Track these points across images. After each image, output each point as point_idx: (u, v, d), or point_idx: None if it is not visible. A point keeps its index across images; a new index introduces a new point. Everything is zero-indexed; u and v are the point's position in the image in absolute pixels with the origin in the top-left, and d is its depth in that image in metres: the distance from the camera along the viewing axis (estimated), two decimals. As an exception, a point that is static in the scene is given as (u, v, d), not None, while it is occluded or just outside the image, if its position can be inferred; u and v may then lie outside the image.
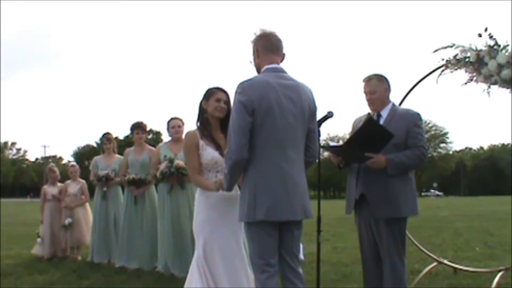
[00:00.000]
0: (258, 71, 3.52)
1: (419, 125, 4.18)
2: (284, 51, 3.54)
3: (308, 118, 3.42)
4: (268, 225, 3.26)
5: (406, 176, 4.14)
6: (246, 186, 3.31)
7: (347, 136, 4.49)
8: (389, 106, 4.24)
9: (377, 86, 4.20)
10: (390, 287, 4.08)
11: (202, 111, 4.11)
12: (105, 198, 7.99)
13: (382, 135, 3.91)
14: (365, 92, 4.26)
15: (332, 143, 4.32)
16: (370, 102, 4.24)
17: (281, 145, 3.27)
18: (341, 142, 4.49)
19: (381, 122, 4.16)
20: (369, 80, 4.24)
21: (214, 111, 4.03)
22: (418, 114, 4.23)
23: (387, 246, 4.07)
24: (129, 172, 7.32)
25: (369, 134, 3.94)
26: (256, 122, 3.24)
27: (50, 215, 8.65)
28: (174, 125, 6.81)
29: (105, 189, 7.99)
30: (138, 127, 7.53)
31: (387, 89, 4.25)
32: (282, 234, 3.37)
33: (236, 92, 3.31)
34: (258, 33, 3.53)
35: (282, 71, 3.44)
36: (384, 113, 4.21)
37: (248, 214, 3.26)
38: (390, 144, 3.95)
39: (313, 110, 3.48)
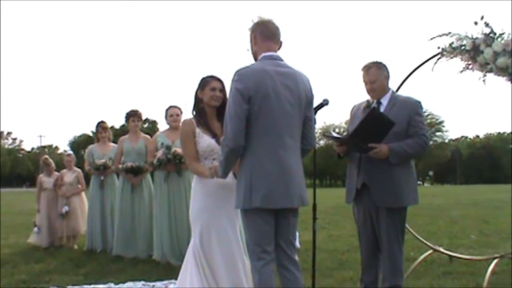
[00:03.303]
0: (255, 58, 3.52)
1: (420, 113, 4.15)
2: (281, 39, 3.53)
3: (305, 106, 3.42)
4: (265, 212, 3.27)
5: (408, 165, 4.13)
6: (243, 173, 3.32)
7: (344, 124, 4.51)
8: (388, 94, 4.21)
9: (377, 75, 4.15)
10: (388, 275, 4.11)
11: (197, 101, 4.10)
12: (103, 187, 7.99)
13: (384, 124, 3.89)
14: (365, 81, 4.21)
15: (334, 134, 4.29)
16: (371, 90, 4.19)
17: (278, 132, 3.27)
18: (337, 131, 4.50)
19: (382, 110, 4.13)
20: (368, 68, 4.18)
21: (210, 100, 4.02)
22: (419, 102, 4.19)
23: (387, 235, 4.08)
24: (125, 160, 7.32)
25: (371, 124, 3.93)
26: (252, 110, 3.23)
27: (46, 204, 8.65)
28: (172, 113, 6.81)
29: (102, 178, 7.99)
30: (133, 115, 7.53)
31: (387, 76, 4.21)
32: (278, 222, 3.38)
33: (232, 80, 3.30)
34: (256, 20, 3.52)
35: (279, 59, 3.43)
36: (384, 101, 4.18)
37: (244, 201, 3.26)
38: (391, 132, 3.93)
39: (310, 98, 3.48)
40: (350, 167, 4.29)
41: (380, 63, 4.22)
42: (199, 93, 4.07)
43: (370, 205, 4.15)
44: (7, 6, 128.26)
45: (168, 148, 6.45)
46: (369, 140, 3.95)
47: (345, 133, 4.49)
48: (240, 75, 3.28)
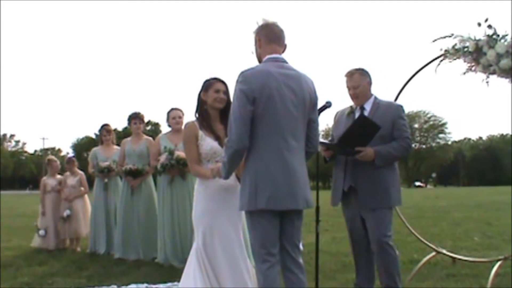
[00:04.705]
0: (260, 61, 3.52)
1: (403, 116, 4.30)
2: (286, 41, 3.54)
3: (309, 108, 3.43)
4: (269, 214, 3.27)
5: (393, 167, 4.27)
6: (247, 175, 3.31)
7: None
8: (371, 99, 4.34)
9: (360, 81, 4.29)
10: (384, 276, 4.16)
11: (201, 103, 4.10)
12: (106, 190, 8.00)
13: (371, 128, 3.99)
14: (348, 87, 4.34)
15: (322, 139, 4.33)
16: (354, 96, 4.32)
17: (282, 134, 3.28)
18: (330, 139, 4.57)
19: (365, 114, 4.25)
20: (351, 75, 4.32)
21: (214, 102, 4.02)
22: (401, 106, 4.36)
23: (377, 235, 4.15)
24: (127, 162, 7.33)
25: (359, 129, 4.03)
26: (257, 111, 3.24)
27: (52, 207, 8.63)
28: (175, 115, 6.81)
29: (106, 180, 8.00)
30: (135, 117, 7.54)
31: (369, 82, 4.35)
32: (283, 224, 3.38)
33: (237, 81, 3.31)
34: (261, 23, 3.53)
35: (283, 61, 3.44)
36: (368, 106, 4.31)
37: (249, 203, 3.26)
38: (376, 136, 4.05)
39: (314, 100, 3.49)
40: (336, 170, 4.41)
41: (363, 69, 4.36)
42: (202, 95, 4.07)
43: (357, 207, 4.26)
44: (7, 6, 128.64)
45: (171, 153, 6.44)
46: (355, 144, 4.07)
47: (329, 138, 4.59)
48: (245, 77, 3.28)
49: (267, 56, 3.43)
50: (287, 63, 3.44)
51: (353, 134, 4.03)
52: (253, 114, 3.24)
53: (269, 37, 3.46)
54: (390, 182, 4.19)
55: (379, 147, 4.09)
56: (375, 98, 4.35)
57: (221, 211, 3.91)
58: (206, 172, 3.91)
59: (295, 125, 3.34)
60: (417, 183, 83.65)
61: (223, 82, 4.07)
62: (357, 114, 4.32)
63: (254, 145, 3.27)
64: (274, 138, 3.27)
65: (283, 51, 3.50)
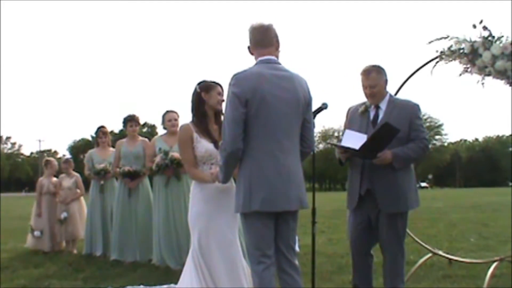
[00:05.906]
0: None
1: (419, 116, 4.16)
2: (277, 40, 3.49)
3: (303, 109, 3.42)
4: (264, 216, 3.28)
5: (409, 168, 4.15)
6: (242, 177, 3.32)
7: (342, 128, 4.44)
8: (386, 98, 4.17)
9: (377, 79, 4.10)
10: (388, 279, 4.12)
11: (200, 102, 4.09)
12: (103, 192, 7.98)
13: (391, 133, 3.89)
14: (364, 85, 4.14)
15: (342, 144, 4.21)
16: (371, 95, 4.13)
17: (275, 135, 3.28)
18: (336, 134, 4.49)
19: (381, 114, 4.13)
20: (368, 73, 4.11)
21: (217, 104, 4.07)
22: (418, 105, 4.18)
23: (390, 239, 4.08)
24: (122, 163, 7.32)
25: (381, 135, 3.92)
26: (250, 113, 3.24)
27: (48, 209, 8.62)
28: (170, 118, 6.79)
29: (102, 182, 7.98)
30: (131, 119, 7.52)
31: (386, 80, 4.16)
32: (278, 225, 3.38)
33: (230, 84, 3.32)
34: (249, 27, 3.53)
35: (276, 62, 3.44)
36: (383, 105, 4.15)
37: (244, 205, 3.27)
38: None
39: (308, 100, 3.48)
40: (352, 173, 4.26)
41: (379, 66, 4.17)
42: (204, 95, 4.07)
43: (371, 210, 4.13)
44: (7, 7, 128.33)
45: (166, 153, 6.44)
46: (375, 149, 3.94)
47: (340, 135, 4.46)
48: (237, 79, 3.30)
49: (259, 58, 3.44)
50: (280, 64, 3.45)
51: (375, 141, 3.92)
52: (246, 116, 3.24)
53: (255, 41, 3.47)
54: (407, 184, 4.08)
55: (396, 149, 3.96)
56: (390, 96, 4.21)
57: (217, 213, 3.91)
58: (204, 176, 3.92)
59: (288, 126, 3.34)
60: (423, 184, 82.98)
61: (221, 86, 4.12)
62: (371, 113, 4.19)
63: (248, 147, 3.28)
64: (267, 140, 3.27)
65: (276, 49, 3.49)
